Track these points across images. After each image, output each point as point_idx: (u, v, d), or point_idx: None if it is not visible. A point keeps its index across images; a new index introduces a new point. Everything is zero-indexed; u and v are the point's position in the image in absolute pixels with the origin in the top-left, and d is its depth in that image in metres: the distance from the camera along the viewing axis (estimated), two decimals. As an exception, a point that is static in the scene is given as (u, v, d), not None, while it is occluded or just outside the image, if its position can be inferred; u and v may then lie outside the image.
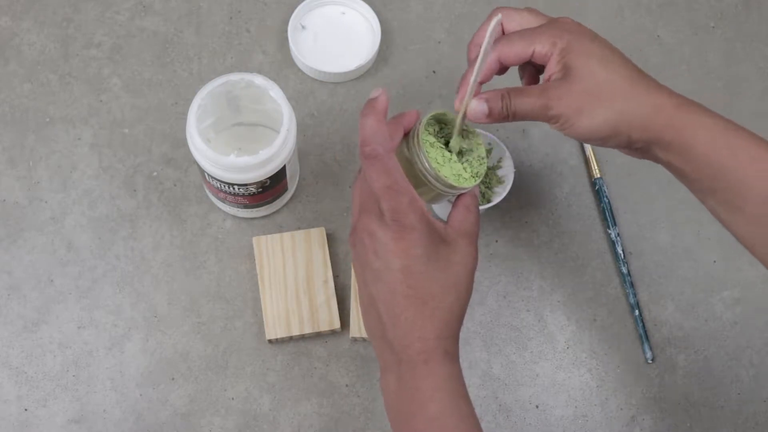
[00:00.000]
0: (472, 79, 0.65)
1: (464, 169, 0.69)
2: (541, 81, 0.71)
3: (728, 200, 0.65)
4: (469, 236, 0.64)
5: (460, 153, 0.69)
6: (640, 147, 0.66)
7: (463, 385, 0.63)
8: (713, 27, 1.00)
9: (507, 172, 0.81)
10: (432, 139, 0.81)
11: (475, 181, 0.68)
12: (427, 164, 0.66)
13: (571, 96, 0.64)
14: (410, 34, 0.98)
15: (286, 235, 0.87)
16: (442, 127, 0.75)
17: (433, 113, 0.70)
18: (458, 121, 0.68)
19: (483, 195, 0.80)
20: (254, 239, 0.87)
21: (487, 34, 0.62)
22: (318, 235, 0.87)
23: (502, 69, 0.70)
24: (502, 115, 0.66)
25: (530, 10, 0.69)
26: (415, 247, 0.61)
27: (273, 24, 0.97)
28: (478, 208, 0.67)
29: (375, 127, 0.62)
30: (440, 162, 0.68)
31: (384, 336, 0.63)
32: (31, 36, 0.95)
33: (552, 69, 0.66)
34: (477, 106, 0.66)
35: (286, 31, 0.95)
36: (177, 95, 0.94)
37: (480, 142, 0.70)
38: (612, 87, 0.64)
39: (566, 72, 0.64)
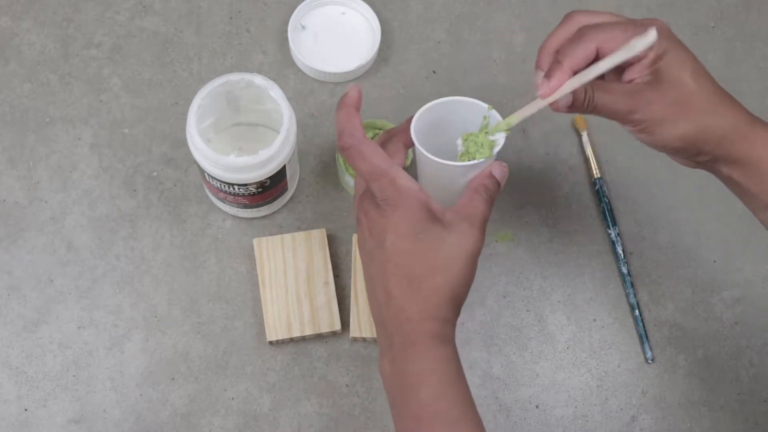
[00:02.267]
0: (591, 75, 0.63)
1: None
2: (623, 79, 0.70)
3: None
4: (471, 219, 0.64)
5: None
6: (705, 160, 0.67)
7: (457, 367, 0.63)
8: (713, 27, 1.00)
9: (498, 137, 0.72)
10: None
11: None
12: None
13: (659, 104, 0.64)
14: (410, 34, 0.97)
15: (287, 236, 0.87)
16: (376, 132, 0.84)
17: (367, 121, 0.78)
18: (535, 106, 0.66)
19: (468, 152, 0.74)
20: (255, 240, 0.87)
21: (644, 45, 0.62)
22: (318, 236, 0.87)
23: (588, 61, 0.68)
24: (584, 107, 0.65)
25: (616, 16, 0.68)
26: (401, 224, 0.62)
27: (273, 24, 0.97)
28: (489, 193, 0.66)
29: (345, 119, 0.64)
30: None
31: (380, 317, 0.64)
32: (31, 36, 0.95)
33: (641, 71, 0.65)
34: (563, 100, 0.65)
35: (286, 31, 0.95)
36: (177, 95, 0.94)
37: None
38: (699, 101, 0.64)
39: (658, 78, 0.64)
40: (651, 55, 0.64)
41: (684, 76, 0.64)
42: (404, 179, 0.63)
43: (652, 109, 0.64)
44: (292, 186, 0.89)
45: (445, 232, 0.63)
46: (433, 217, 0.63)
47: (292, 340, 0.86)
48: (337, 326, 0.85)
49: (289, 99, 0.86)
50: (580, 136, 0.94)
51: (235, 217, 0.90)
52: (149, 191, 0.90)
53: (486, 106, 0.69)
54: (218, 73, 0.93)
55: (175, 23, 0.96)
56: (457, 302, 0.63)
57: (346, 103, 0.65)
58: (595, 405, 0.87)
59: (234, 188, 0.81)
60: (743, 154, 0.65)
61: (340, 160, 0.87)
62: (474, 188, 0.66)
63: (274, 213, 0.90)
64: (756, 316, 0.90)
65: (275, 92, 0.79)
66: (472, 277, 0.64)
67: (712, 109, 0.65)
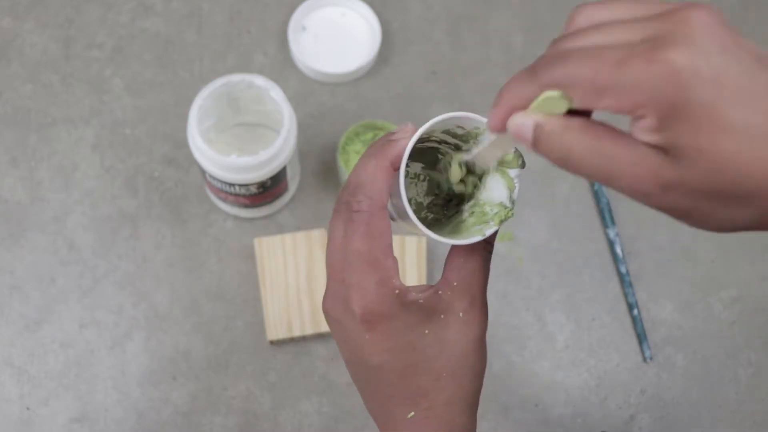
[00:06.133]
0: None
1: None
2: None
3: None
4: (470, 293, 0.48)
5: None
6: None
7: None
8: (712, 28, 1.00)
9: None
10: (359, 147, 0.83)
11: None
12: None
13: (687, 195, 0.39)
14: (410, 35, 0.98)
15: (287, 236, 0.88)
16: (376, 132, 0.75)
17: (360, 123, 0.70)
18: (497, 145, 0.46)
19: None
20: (255, 240, 0.87)
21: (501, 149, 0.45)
22: (319, 236, 0.88)
23: None
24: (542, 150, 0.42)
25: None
26: (389, 339, 0.47)
27: (273, 25, 0.97)
28: (489, 249, 0.49)
29: (373, 172, 0.46)
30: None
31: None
32: (33, 37, 0.96)
33: (643, 135, 0.38)
34: (522, 125, 0.41)
35: (287, 32, 0.95)
36: (178, 96, 0.94)
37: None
38: (749, 180, 0.37)
39: (673, 152, 0.38)
40: (650, 121, 0.37)
41: (722, 147, 0.37)
42: (395, 277, 0.47)
43: (673, 199, 0.39)
44: (292, 186, 0.89)
45: (443, 326, 0.48)
46: (425, 314, 0.48)
47: (292, 339, 0.86)
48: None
49: (290, 100, 0.87)
50: (579, 136, 0.95)
51: (236, 217, 0.90)
52: (150, 191, 0.91)
53: (483, 120, 0.46)
54: (219, 74, 0.94)
55: (176, 24, 0.97)
56: (473, 405, 0.52)
57: (386, 153, 0.46)
58: (594, 404, 0.87)
59: (235, 188, 0.82)
60: None
61: (341, 161, 0.88)
62: (466, 248, 0.49)
63: (274, 213, 0.90)
64: (754, 315, 0.90)
65: (276, 93, 0.79)
66: (485, 365, 0.51)
67: None
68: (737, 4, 1.01)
